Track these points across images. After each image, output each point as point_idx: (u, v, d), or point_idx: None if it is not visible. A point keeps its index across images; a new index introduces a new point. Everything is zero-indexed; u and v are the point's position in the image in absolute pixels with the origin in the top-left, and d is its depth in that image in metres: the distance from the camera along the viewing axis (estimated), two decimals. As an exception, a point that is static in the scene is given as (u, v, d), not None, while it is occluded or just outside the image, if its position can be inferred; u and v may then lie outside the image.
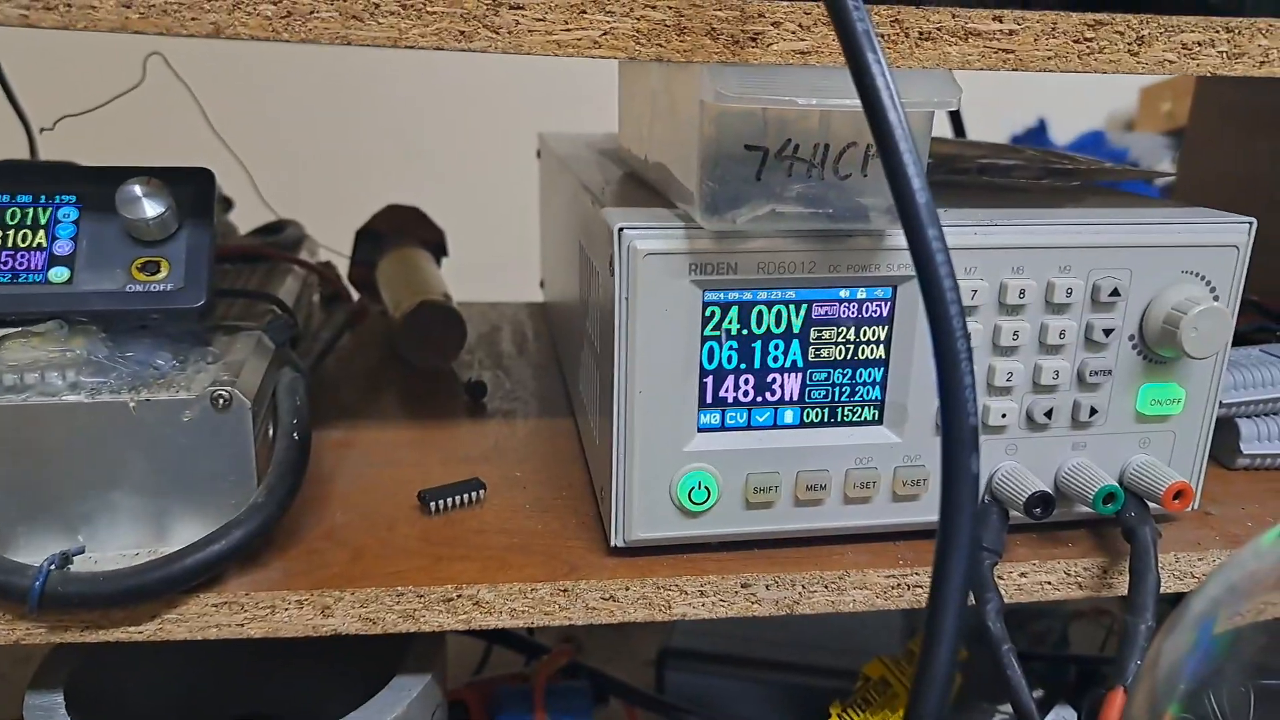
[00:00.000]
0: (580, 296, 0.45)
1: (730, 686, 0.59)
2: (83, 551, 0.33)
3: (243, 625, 0.34)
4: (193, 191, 0.35)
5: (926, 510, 0.39)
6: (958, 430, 0.23)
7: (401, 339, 0.57)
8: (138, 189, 0.34)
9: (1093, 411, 0.38)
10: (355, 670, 0.44)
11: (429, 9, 0.29)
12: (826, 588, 0.38)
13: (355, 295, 0.66)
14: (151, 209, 0.34)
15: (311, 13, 0.29)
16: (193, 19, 0.28)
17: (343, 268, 0.67)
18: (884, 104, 0.22)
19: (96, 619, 0.33)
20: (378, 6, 0.29)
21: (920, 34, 0.31)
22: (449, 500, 0.40)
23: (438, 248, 0.71)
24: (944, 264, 0.22)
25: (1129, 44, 0.32)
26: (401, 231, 0.69)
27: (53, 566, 0.32)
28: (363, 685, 0.40)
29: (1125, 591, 0.38)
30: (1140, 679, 0.29)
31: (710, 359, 0.36)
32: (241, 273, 0.52)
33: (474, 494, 0.41)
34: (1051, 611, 0.68)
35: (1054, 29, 0.32)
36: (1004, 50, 0.32)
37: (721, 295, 0.35)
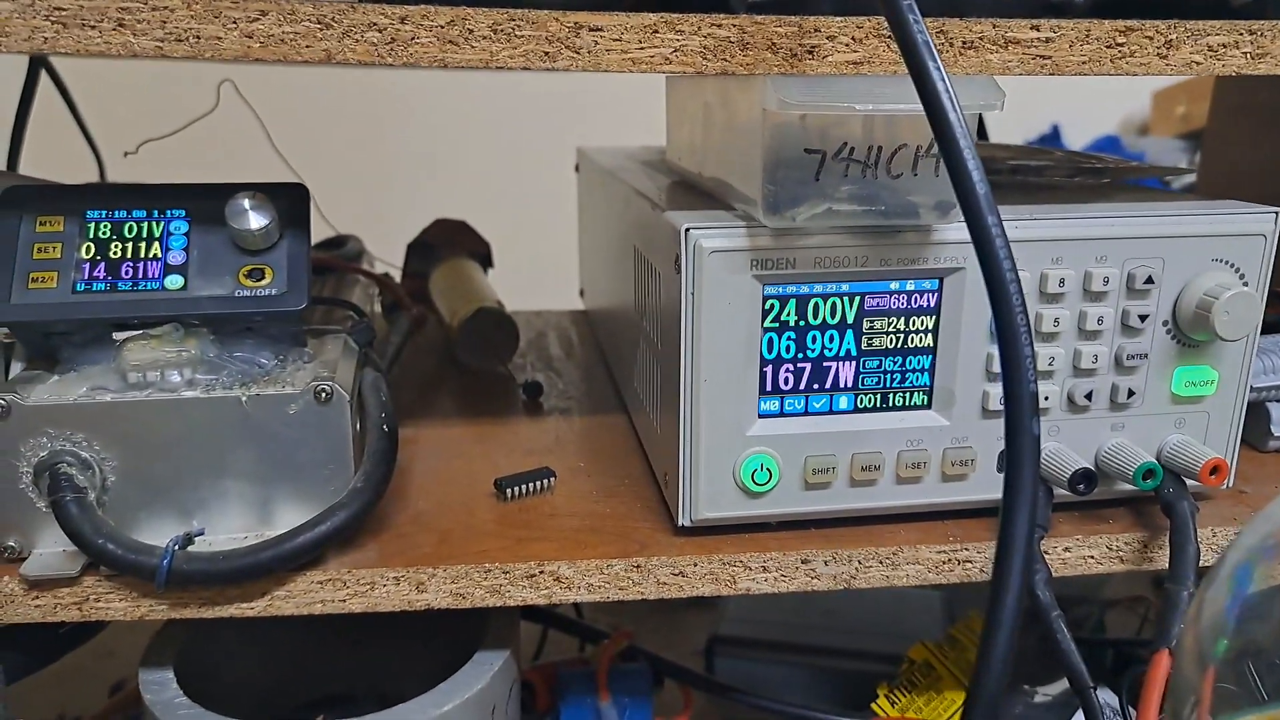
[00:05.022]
0: (635, 298, 0.48)
1: (778, 672, 0.62)
2: (202, 534, 0.36)
3: (345, 601, 0.37)
4: (290, 204, 0.39)
5: (974, 490, 0.41)
6: (1019, 396, 0.26)
7: (459, 344, 0.60)
8: (245, 202, 0.37)
9: (1130, 393, 0.41)
10: (432, 654, 0.46)
11: (517, 33, 0.32)
12: (881, 563, 0.40)
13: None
14: (257, 220, 0.37)
15: (413, 39, 0.32)
16: (307, 46, 0.32)
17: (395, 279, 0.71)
18: (944, 105, 0.25)
19: (214, 596, 0.36)
20: (471, 32, 0.32)
21: (964, 43, 0.34)
22: (523, 487, 0.43)
23: (484, 259, 0.74)
24: (1003, 246, 0.25)
25: (1158, 48, 0.35)
26: (451, 244, 0.73)
27: (177, 547, 0.35)
28: (440, 668, 0.42)
29: (1164, 565, 0.40)
30: (1184, 634, 0.31)
31: (770, 349, 0.38)
32: (314, 283, 0.55)
33: (545, 481, 0.44)
34: (1089, 599, 0.70)
35: (1088, 35, 0.35)
36: (1041, 56, 0.35)
37: (780, 289, 0.38)
